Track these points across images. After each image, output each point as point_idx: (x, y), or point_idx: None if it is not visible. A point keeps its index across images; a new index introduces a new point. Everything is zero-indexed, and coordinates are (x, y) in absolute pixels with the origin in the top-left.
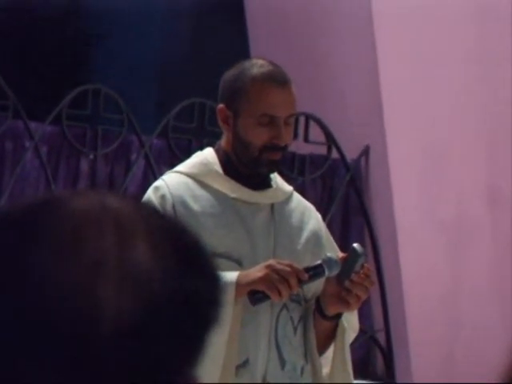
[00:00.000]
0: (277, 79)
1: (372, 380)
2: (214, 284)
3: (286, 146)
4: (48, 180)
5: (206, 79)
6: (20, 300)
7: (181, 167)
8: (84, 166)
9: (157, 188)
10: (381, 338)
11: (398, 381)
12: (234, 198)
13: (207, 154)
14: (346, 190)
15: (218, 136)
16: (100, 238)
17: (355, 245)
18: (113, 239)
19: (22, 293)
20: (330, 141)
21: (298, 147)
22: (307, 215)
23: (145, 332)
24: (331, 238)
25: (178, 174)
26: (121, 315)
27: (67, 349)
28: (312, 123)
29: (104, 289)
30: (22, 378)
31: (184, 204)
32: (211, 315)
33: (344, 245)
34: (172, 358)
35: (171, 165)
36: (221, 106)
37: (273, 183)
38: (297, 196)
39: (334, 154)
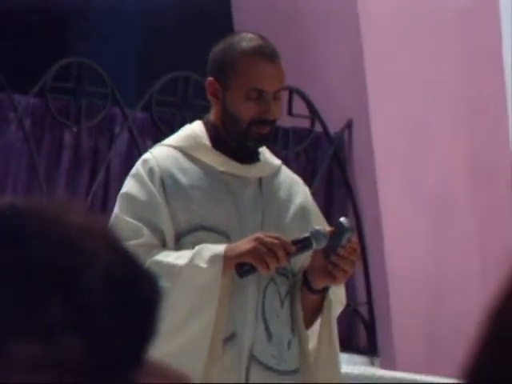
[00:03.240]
0: (266, 53)
1: (354, 352)
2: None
3: (274, 121)
4: (31, 152)
5: (190, 53)
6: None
7: (169, 140)
8: (68, 138)
9: (145, 161)
10: (363, 311)
11: (381, 353)
12: (222, 172)
13: (196, 128)
14: (329, 164)
15: (201, 109)
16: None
17: (342, 219)
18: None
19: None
20: (314, 114)
21: (282, 121)
22: (295, 189)
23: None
24: (319, 212)
25: (167, 147)
26: (111, 267)
27: (59, 301)
28: (295, 97)
29: (95, 243)
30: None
31: (172, 177)
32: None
33: (327, 218)
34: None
35: (155, 138)
36: (210, 79)
37: (261, 157)
38: (285, 170)
39: (318, 128)
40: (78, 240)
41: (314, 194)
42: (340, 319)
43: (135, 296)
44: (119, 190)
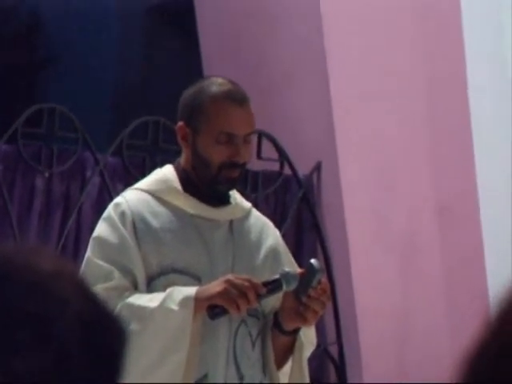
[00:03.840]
0: (235, 98)
1: None
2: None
3: (244, 164)
4: (4, 198)
5: (159, 97)
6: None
7: (140, 184)
8: (40, 183)
9: (117, 205)
10: (333, 350)
11: None
12: (192, 215)
13: (166, 172)
14: (299, 206)
15: (171, 153)
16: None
17: (313, 260)
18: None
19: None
20: (283, 157)
21: (251, 164)
22: (266, 231)
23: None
24: (290, 254)
25: (138, 191)
26: (82, 313)
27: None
28: (264, 140)
29: (66, 289)
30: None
31: (144, 220)
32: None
33: (297, 260)
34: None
35: (126, 182)
36: (180, 123)
37: (232, 200)
38: (255, 213)
39: (287, 170)
40: (48, 286)
41: (283, 237)
42: (310, 359)
43: (105, 340)
44: (91, 232)
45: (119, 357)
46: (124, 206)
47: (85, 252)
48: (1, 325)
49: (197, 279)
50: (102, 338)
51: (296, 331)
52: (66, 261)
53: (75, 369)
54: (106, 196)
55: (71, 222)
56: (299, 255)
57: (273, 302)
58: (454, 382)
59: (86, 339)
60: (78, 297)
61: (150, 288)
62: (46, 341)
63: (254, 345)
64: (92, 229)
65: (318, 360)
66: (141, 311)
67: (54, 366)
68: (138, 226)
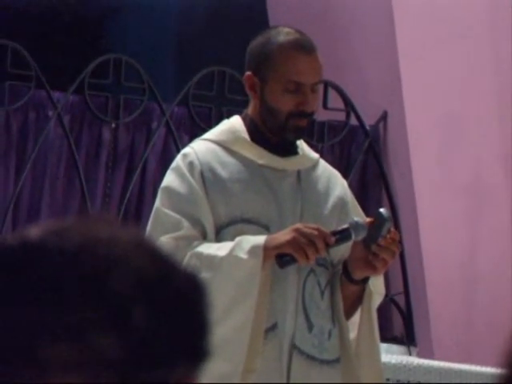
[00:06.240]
0: (303, 46)
1: (392, 342)
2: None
3: (312, 113)
4: (71, 148)
5: (225, 48)
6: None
7: (208, 135)
8: (106, 134)
9: (185, 155)
10: (400, 300)
11: (418, 343)
12: (261, 165)
13: (234, 122)
14: (365, 156)
15: (238, 104)
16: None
17: (382, 209)
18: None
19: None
20: (349, 107)
21: (317, 114)
22: (333, 181)
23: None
24: (357, 204)
25: (206, 142)
26: (141, 267)
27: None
28: (330, 90)
29: (123, 249)
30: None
31: (212, 170)
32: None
33: (363, 210)
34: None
35: (192, 132)
36: (248, 73)
37: (299, 150)
38: (323, 163)
39: (353, 121)
40: (102, 250)
41: (349, 187)
42: (377, 309)
43: (169, 293)
44: (155, 183)
45: (189, 309)
46: (192, 157)
47: (150, 201)
48: (54, 284)
49: (265, 228)
50: (166, 291)
51: (365, 281)
52: (126, 226)
53: (135, 322)
54: (171, 146)
55: (137, 172)
56: (365, 205)
57: (342, 251)
58: None
59: (146, 293)
60: (138, 255)
61: (219, 238)
62: (100, 295)
63: (322, 294)
64: (157, 179)
65: (385, 310)
66: (210, 260)
67: (111, 319)
68: (206, 176)
